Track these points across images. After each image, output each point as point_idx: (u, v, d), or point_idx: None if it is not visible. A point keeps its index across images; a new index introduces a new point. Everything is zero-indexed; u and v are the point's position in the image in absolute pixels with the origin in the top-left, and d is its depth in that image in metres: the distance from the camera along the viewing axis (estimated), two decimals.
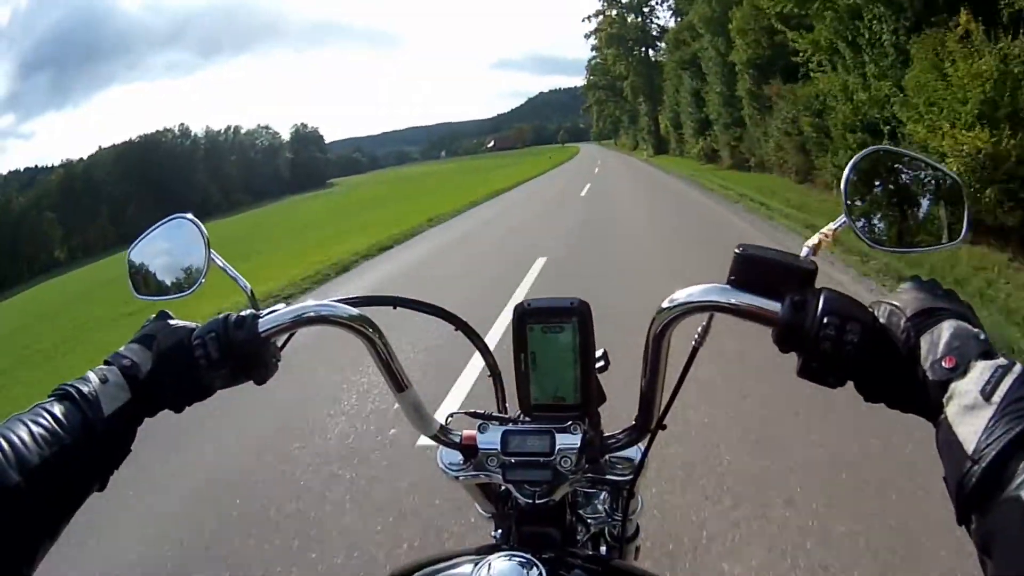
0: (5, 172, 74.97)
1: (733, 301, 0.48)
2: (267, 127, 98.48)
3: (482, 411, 0.63)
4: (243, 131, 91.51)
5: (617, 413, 0.68)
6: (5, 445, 0.43)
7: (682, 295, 0.51)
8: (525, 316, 0.57)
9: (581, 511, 0.75)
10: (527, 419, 0.60)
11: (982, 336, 0.40)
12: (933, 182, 0.53)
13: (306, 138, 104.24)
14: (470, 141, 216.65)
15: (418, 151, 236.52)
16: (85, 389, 0.50)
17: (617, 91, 45.98)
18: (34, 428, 0.46)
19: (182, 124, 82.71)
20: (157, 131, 75.38)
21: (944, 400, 0.38)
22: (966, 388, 0.37)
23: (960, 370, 0.38)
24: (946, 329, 0.41)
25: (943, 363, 0.39)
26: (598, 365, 0.62)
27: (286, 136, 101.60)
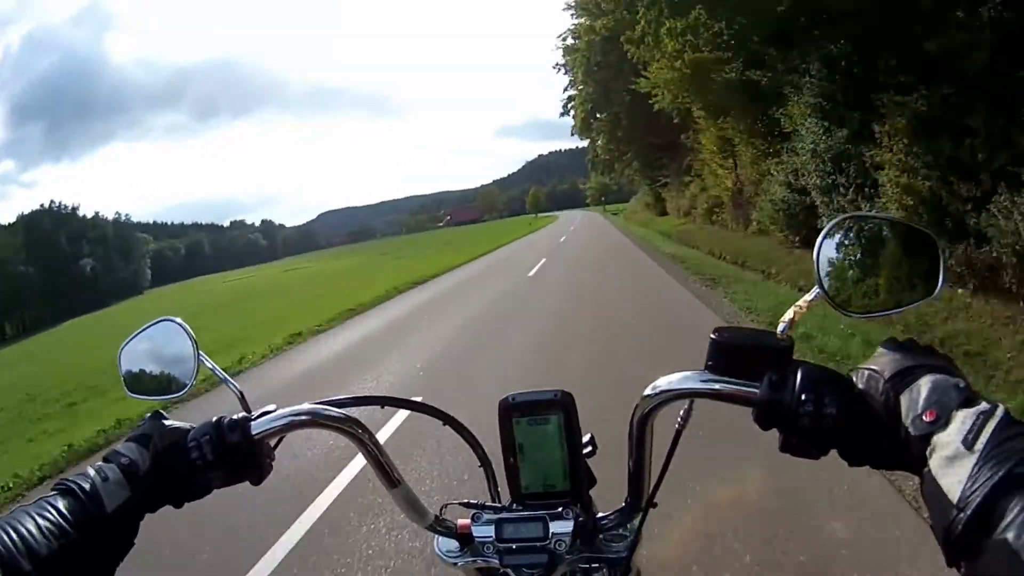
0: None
1: (712, 387, 0.49)
2: None
3: (475, 501, 0.65)
4: None
5: None
6: (15, 535, 0.45)
7: (663, 383, 0.52)
8: (510, 410, 0.59)
9: None
10: (518, 507, 0.61)
11: (962, 385, 0.40)
12: (904, 239, 0.54)
13: (59, 224, 64.09)
14: (436, 213, 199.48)
15: (396, 224, 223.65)
16: (86, 486, 0.51)
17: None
18: (40, 521, 0.47)
19: None
20: None
21: (927, 453, 0.38)
22: (947, 439, 0.37)
23: (941, 422, 0.38)
24: (924, 384, 0.41)
25: (924, 417, 0.39)
26: (586, 451, 0.64)
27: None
